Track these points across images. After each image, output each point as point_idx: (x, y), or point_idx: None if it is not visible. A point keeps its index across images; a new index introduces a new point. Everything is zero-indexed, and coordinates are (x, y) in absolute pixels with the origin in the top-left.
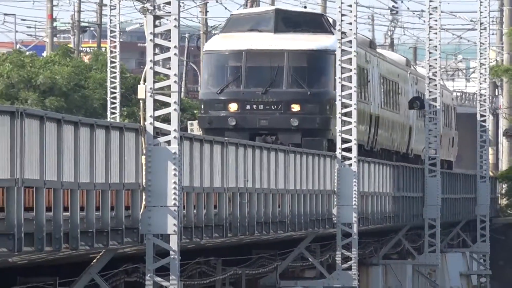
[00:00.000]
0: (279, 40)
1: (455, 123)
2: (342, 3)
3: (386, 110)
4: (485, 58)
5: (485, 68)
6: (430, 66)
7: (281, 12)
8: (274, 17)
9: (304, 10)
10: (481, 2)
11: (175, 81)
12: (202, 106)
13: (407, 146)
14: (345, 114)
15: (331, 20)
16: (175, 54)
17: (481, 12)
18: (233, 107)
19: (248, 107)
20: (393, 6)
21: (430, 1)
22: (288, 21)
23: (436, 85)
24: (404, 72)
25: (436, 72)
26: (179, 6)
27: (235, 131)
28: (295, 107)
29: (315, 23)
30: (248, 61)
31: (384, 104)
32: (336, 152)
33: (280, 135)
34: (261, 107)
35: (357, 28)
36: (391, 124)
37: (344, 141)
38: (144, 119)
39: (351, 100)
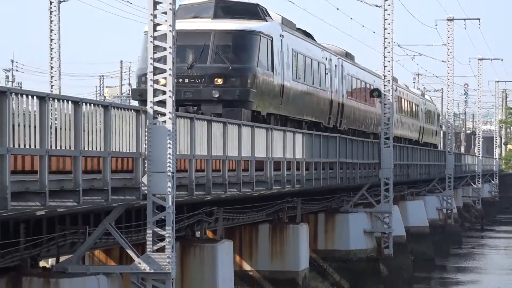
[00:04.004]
0: (212, 23)
1: (437, 122)
2: None
3: (352, 100)
4: (496, 120)
5: (496, 122)
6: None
7: (220, 2)
8: (214, 6)
9: (241, 0)
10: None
11: None
12: (136, 81)
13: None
14: None
15: (275, 12)
16: None
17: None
18: (161, 81)
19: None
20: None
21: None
22: (226, 10)
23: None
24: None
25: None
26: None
27: None
28: (218, 81)
29: (251, 11)
30: (178, 40)
31: (350, 95)
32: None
33: (203, 106)
34: (187, 80)
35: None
36: (358, 111)
37: None
38: None
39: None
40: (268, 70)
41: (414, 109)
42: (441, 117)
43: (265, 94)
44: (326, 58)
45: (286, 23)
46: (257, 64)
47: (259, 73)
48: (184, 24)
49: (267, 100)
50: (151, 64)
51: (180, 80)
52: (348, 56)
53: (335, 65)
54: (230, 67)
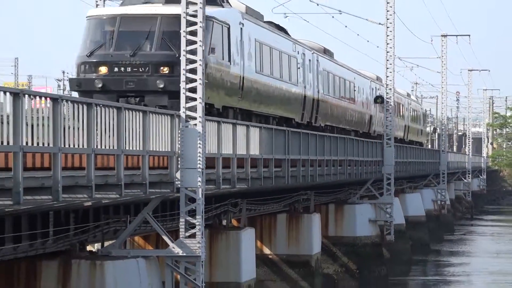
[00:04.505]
0: (161, 8)
1: (423, 121)
2: None
3: (330, 96)
4: (484, 123)
5: (484, 125)
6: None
7: None
8: None
9: None
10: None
11: None
12: (76, 70)
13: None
14: None
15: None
16: None
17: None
18: (102, 69)
19: (116, 69)
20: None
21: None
22: None
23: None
24: (365, 79)
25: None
26: None
27: (103, 93)
28: (164, 70)
29: None
30: (122, 25)
31: (327, 92)
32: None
33: (146, 97)
34: (129, 69)
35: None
36: (336, 107)
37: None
38: None
39: None
40: (223, 59)
41: (399, 109)
42: (428, 118)
43: (220, 85)
44: (298, 52)
45: (251, 13)
46: (208, 52)
47: (211, 62)
48: (132, 9)
49: (222, 92)
50: (183, 74)
51: (122, 69)
52: (326, 52)
53: (309, 60)
54: (177, 55)
